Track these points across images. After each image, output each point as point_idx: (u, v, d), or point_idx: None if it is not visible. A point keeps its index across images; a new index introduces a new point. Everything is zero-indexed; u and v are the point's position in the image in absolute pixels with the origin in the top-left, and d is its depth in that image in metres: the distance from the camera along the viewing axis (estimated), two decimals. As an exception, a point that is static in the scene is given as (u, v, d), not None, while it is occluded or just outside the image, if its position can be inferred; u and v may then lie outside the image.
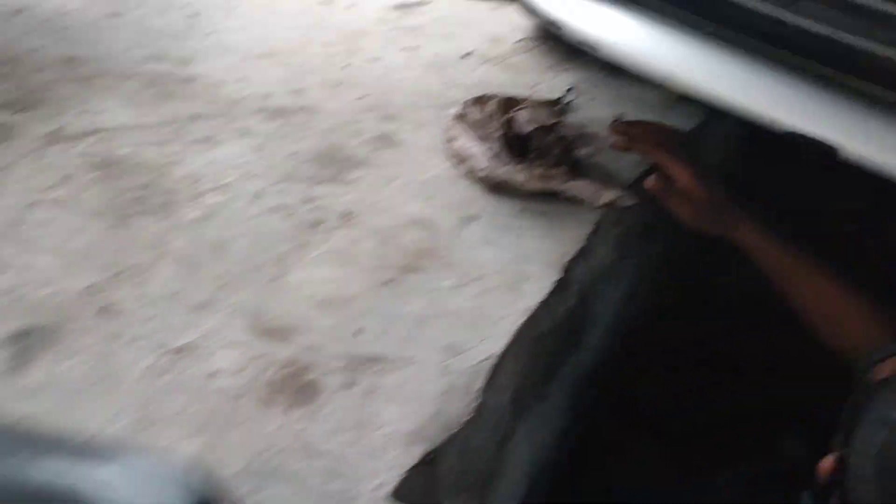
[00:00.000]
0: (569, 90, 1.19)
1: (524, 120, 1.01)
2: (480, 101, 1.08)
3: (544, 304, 0.81)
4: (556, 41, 1.38)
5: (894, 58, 0.68)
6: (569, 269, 0.86)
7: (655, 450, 1.20)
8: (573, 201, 0.98)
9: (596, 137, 1.08)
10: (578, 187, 0.97)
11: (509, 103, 1.05)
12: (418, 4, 1.49)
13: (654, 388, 1.22)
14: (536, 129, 1.00)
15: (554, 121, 1.01)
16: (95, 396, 0.71)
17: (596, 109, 1.19)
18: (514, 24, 1.41)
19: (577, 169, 1.02)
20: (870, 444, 0.60)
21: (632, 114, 1.19)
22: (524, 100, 1.06)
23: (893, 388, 0.69)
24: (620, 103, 1.22)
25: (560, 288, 0.84)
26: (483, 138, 1.02)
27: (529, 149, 1.00)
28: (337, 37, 1.35)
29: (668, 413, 1.23)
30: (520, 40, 1.39)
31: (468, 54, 1.32)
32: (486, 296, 0.83)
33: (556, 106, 1.12)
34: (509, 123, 1.01)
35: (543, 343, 0.83)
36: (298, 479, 0.65)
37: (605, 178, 1.02)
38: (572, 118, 1.16)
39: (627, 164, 1.05)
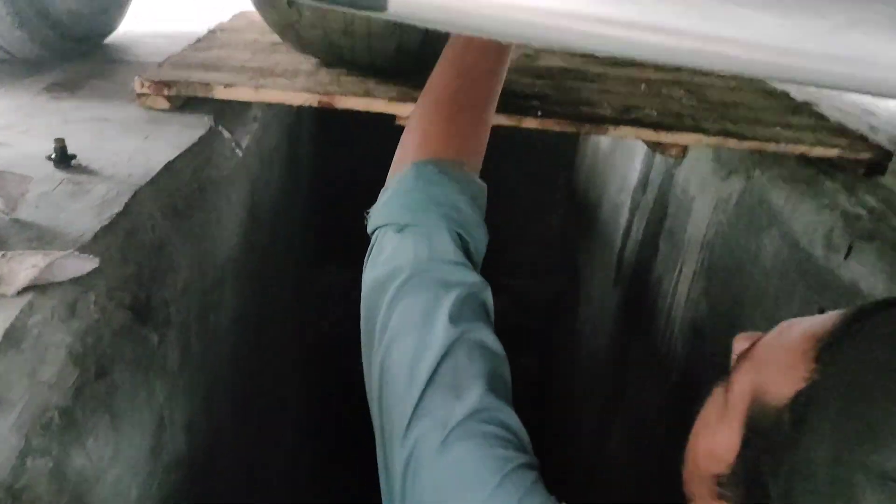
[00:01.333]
0: (-32, 121, 0.71)
1: None
2: None
3: None
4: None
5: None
6: None
7: None
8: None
9: (23, 182, 0.61)
10: (-41, 272, 0.50)
11: None
12: None
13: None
14: None
15: None
16: None
17: (28, 143, 0.72)
18: None
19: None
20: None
21: (89, 139, 0.75)
22: None
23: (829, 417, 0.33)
24: (71, 129, 0.78)
25: None
26: None
27: None
28: None
29: None
30: None
31: None
32: None
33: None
34: None
35: None
36: None
37: (33, 243, 0.57)
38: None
39: (75, 213, 0.61)
